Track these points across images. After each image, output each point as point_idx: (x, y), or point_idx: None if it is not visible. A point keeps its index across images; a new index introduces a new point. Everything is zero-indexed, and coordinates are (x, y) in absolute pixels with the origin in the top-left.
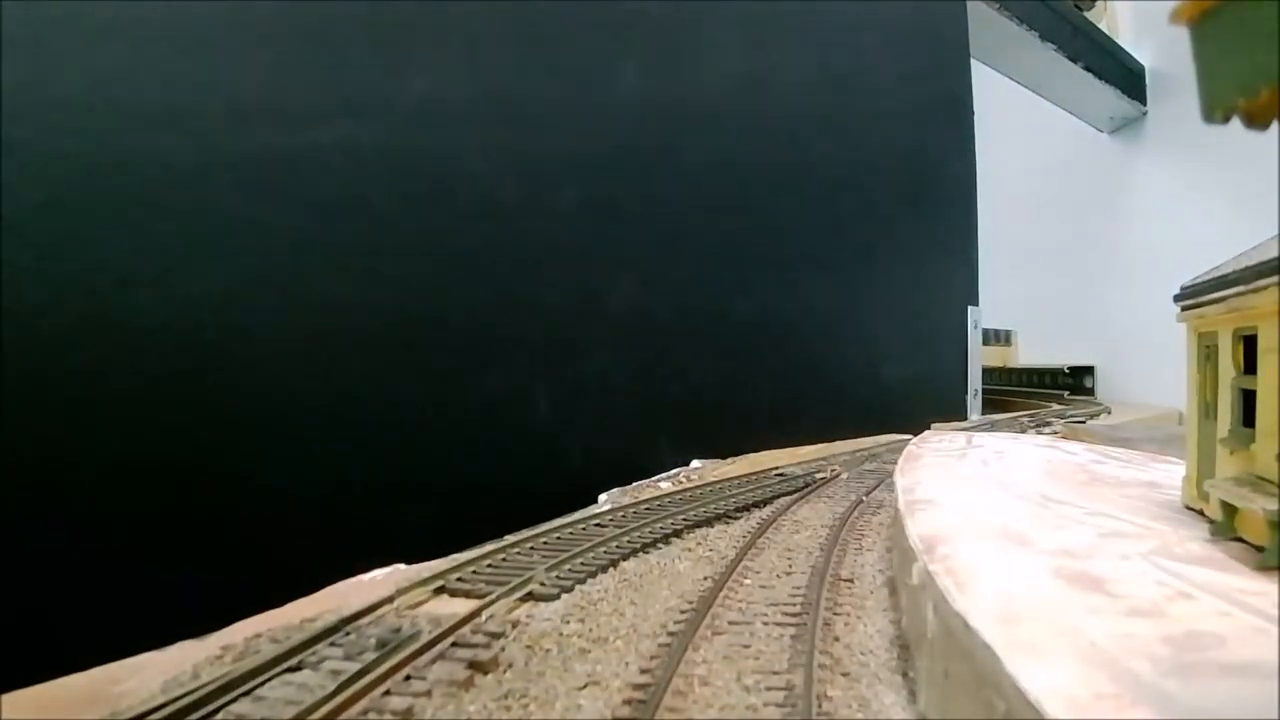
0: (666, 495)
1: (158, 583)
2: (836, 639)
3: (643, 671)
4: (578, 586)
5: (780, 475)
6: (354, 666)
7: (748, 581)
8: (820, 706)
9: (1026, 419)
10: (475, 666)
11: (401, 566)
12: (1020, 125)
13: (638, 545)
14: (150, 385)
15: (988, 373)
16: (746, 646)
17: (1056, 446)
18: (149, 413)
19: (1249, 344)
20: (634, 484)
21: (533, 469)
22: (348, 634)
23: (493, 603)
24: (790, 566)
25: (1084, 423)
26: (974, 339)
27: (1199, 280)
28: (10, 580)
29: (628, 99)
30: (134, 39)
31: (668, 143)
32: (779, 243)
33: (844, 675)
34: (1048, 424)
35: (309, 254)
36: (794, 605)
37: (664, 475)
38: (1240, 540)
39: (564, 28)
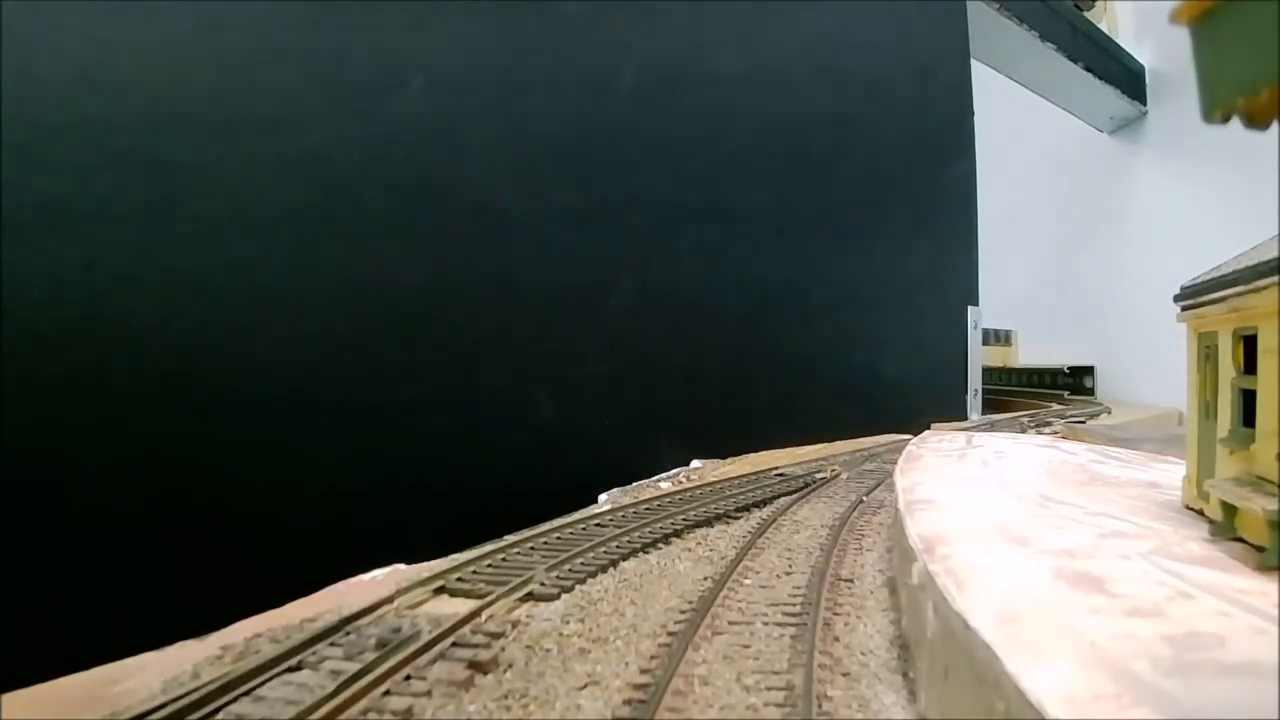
0: (666, 495)
1: (158, 583)
2: (836, 639)
3: (643, 671)
4: (578, 586)
5: (780, 475)
6: (354, 666)
7: (748, 581)
8: (820, 707)
9: (1026, 419)
10: (475, 666)
11: (401, 566)
12: (1020, 125)
13: (638, 545)
14: (150, 385)
15: (988, 373)
16: (746, 646)
17: (1056, 446)
18: (149, 412)
19: (1249, 344)
20: (634, 484)
21: (533, 469)
22: (348, 634)
23: (493, 603)
24: (790, 566)
25: (1084, 423)
26: (974, 339)
27: (1199, 280)
28: (10, 580)
29: (626, 96)
30: (135, 39)
31: (667, 141)
32: (778, 242)
33: (844, 675)
34: (1048, 424)
35: (308, 254)
36: (794, 605)
37: (664, 475)
38: (1240, 540)
39: (563, 20)
